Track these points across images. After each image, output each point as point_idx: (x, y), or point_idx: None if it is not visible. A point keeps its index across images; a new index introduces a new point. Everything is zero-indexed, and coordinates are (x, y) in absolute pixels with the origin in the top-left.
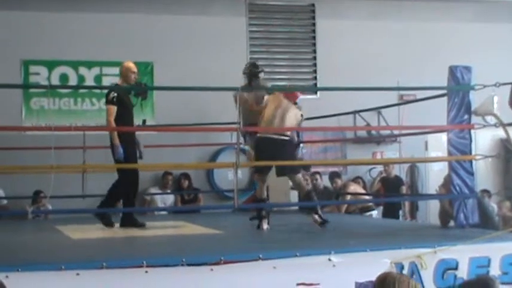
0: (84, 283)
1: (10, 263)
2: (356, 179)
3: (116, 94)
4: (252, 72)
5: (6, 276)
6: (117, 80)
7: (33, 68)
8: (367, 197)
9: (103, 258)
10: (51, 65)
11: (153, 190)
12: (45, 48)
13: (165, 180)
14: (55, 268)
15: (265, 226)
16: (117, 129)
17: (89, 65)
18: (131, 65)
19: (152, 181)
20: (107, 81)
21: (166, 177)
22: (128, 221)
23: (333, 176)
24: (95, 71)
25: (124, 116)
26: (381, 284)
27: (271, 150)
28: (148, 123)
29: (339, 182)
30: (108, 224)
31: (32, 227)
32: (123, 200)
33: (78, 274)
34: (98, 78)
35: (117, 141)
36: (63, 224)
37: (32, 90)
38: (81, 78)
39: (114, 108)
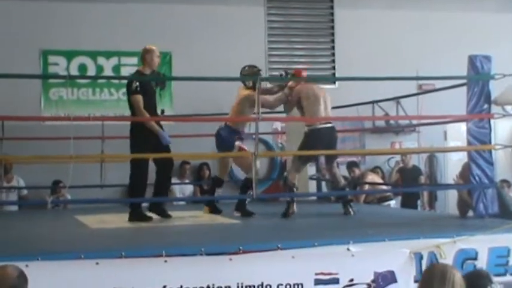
0: (103, 272)
1: (30, 252)
2: (374, 169)
3: (138, 83)
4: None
5: (26, 265)
6: (135, 69)
7: (52, 58)
8: (385, 187)
9: (122, 247)
10: (69, 55)
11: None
12: (63, 38)
13: (182, 170)
14: (74, 257)
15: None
16: (137, 119)
17: (108, 55)
18: (154, 47)
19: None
20: (125, 71)
21: (184, 166)
22: (158, 209)
23: (351, 165)
24: (114, 61)
25: (149, 105)
26: (442, 279)
27: (333, 138)
28: (166, 113)
29: (357, 171)
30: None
31: (51, 217)
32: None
33: (97, 263)
34: (117, 68)
35: (156, 127)
36: (82, 214)
37: (50, 80)
38: (99, 68)
39: (140, 97)
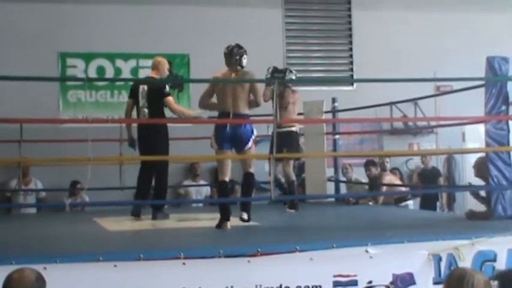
0: (121, 275)
1: (48, 254)
2: (393, 170)
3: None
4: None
5: (44, 268)
6: (150, 73)
7: (70, 61)
8: (403, 188)
9: (140, 250)
10: (88, 58)
11: (186, 182)
12: (82, 40)
13: (193, 170)
14: (93, 260)
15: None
16: (158, 121)
17: (126, 57)
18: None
19: (185, 173)
20: (143, 74)
21: (194, 166)
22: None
23: (368, 164)
24: (132, 63)
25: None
26: (459, 282)
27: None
28: None
29: (373, 170)
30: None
31: (69, 219)
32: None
33: (115, 266)
34: (135, 70)
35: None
36: (100, 216)
37: (69, 82)
38: (117, 71)
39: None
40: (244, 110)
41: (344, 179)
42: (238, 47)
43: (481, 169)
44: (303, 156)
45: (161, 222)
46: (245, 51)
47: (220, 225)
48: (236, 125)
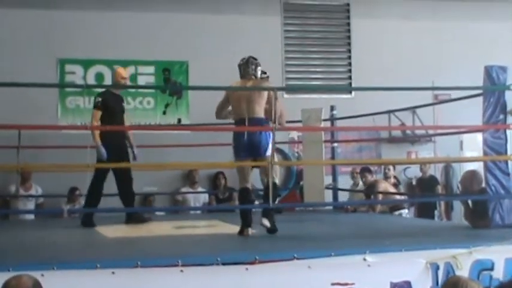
0: (119, 282)
1: (45, 261)
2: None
3: (100, 99)
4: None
5: (42, 275)
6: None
7: (69, 67)
8: (398, 196)
9: (138, 256)
10: (87, 64)
11: (184, 189)
12: (81, 47)
13: (191, 177)
14: (90, 266)
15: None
16: (165, 128)
17: (125, 64)
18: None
19: (184, 180)
20: (142, 80)
21: (192, 173)
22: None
23: (364, 171)
24: (130, 70)
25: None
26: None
27: None
28: (183, 122)
29: (369, 177)
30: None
31: (67, 226)
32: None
33: (113, 273)
34: (133, 77)
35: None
36: (99, 223)
37: (67, 89)
38: None
39: (99, 113)
40: (260, 113)
41: (352, 183)
42: (253, 58)
43: (466, 185)
44: (301, 164)
45: (159, 229)
46: (259, 63)
47: (242, 231)
48: (252, 132)
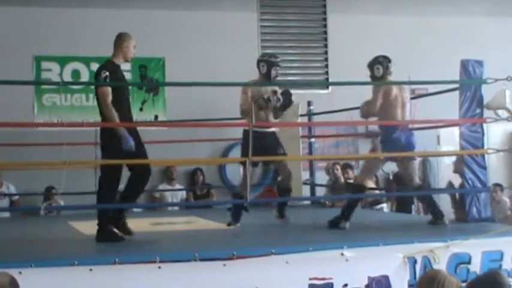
0: (97, 279)
1: (23, 259)
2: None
3: (107, 73)
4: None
5: (20, 272)
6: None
7: (45, 64)
8: (377, 191)
9: (116, 253)
10: (63, 61)
11: (161, 186)
12: (56, 44)
13: (169, 173)
14: (68, 264)
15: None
16: (126, 125)
17: (101, 60)
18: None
19: (161, 177)
20: None
21: (170, 169)
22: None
23: (345, 166)
24: None
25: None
26: (430, 282)
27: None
28: (160, 118)
29: (350, 172)
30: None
31: (44, 223)
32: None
33: (91, 270)
34: None
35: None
36: (76, 220)
37: (44, 86)
38: (93, 74)
39: (109, 90)
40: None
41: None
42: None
43: (459, 165)
44: (278, 159)
45: (136, 225)
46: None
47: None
48: None
